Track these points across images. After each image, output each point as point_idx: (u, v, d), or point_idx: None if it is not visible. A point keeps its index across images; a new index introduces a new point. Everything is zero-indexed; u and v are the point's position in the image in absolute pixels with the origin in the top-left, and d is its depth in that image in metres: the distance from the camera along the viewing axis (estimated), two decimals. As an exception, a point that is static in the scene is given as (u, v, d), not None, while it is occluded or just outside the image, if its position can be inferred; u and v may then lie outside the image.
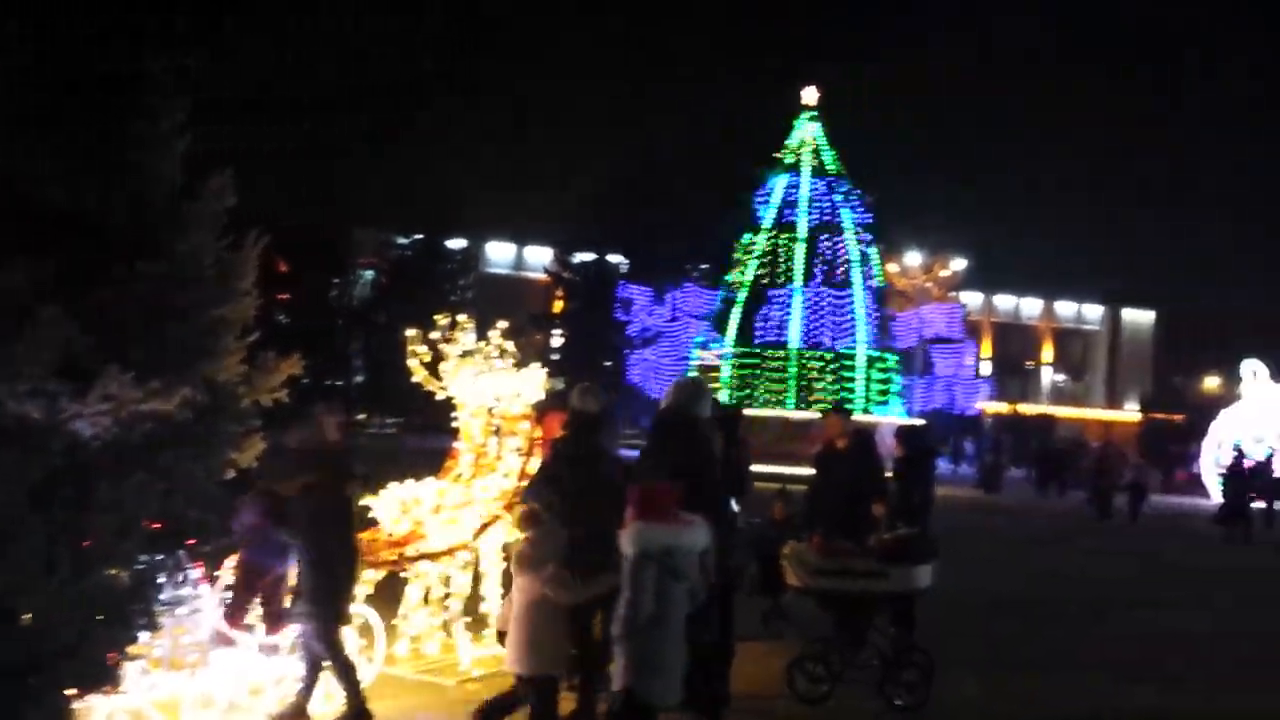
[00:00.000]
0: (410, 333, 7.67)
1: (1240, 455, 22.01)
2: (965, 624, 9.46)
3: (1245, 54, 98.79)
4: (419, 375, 7.60)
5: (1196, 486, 32.03)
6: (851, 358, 30.86)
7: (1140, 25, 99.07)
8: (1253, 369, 32.32)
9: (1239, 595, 12.93)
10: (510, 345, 7.63)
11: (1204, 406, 49.37)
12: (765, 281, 31.69)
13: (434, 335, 7.53)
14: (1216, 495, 28.77)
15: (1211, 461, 30.72)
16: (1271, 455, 22.19)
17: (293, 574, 6.17)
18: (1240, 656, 9.16)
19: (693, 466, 5.56)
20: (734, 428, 7.20)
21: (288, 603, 6.22)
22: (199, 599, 5.71)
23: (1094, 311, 67.44)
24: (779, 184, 32.22)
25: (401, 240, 46.32)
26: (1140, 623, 10.52)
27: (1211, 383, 60.84)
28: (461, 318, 7.63)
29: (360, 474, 6.29)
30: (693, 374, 12.79)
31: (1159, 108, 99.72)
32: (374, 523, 7.30)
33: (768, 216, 32.15)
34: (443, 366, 7.50)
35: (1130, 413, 64.12)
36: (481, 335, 7.62)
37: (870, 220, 32.25)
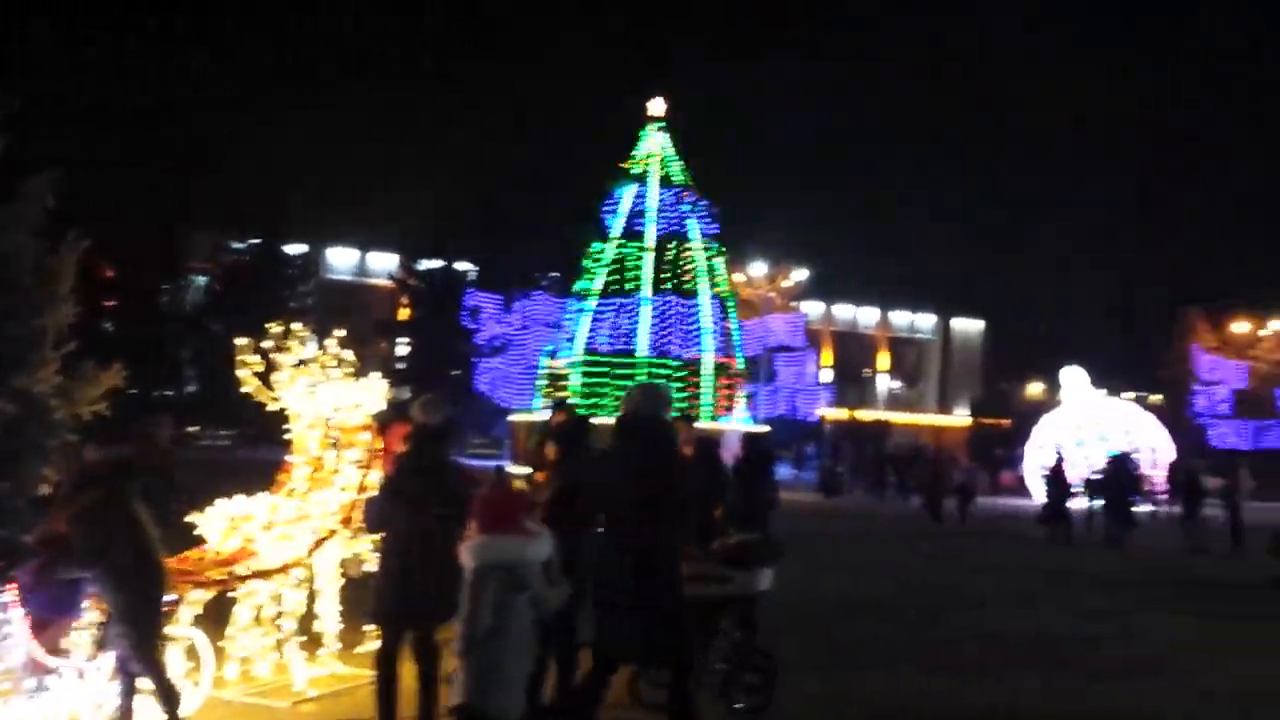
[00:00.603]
0: (241, 341, 7.35)
1: (1060, 458, 23.09)
2: (806, 626, 9.66)
3: (1062, 74, 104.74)
4: (250, 386, 7.29)
5: (1022, 488, 33.69)
6: (698, 366, 31.31)
7: (963, 42, 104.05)
8: (1072, 375, 34.25)
9: (1063, 595, 13.57)
10: (349, 354, 7.41)
11: (1028, 411, 52.08)
12: (614, 290, 31.87)
13: (266, 344, 7.24)
14: (1040, 496, 30.37)
15: (1035, 464, 32.32)
16: (1121, 456, 23.08)
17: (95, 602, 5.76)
18: (1062, 656, 9.60)
19: (662, 469, 5.56)
20: (579, 435, 7.17)
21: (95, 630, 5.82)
22: (9, 624, 5.32)
23: (927, 321, 70.27)
24: (627, 194, 32.47)
25: (237, 245, 44.71)
26: (973, 623, 10.92)
27: (1035, 389, 64.23)
28: (296, 326, 7.36)
29: (175, 489, 5.95)
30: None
31: (983, 124, 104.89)
32: (200, 540, 6.97)
33: (616, 226, 32.35)
34: (275, 377, 7.22)
35: (961, 418, 67.14)
36: (320, 343, 7.38)
37: (716, 230, 32.82)
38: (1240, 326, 62.73)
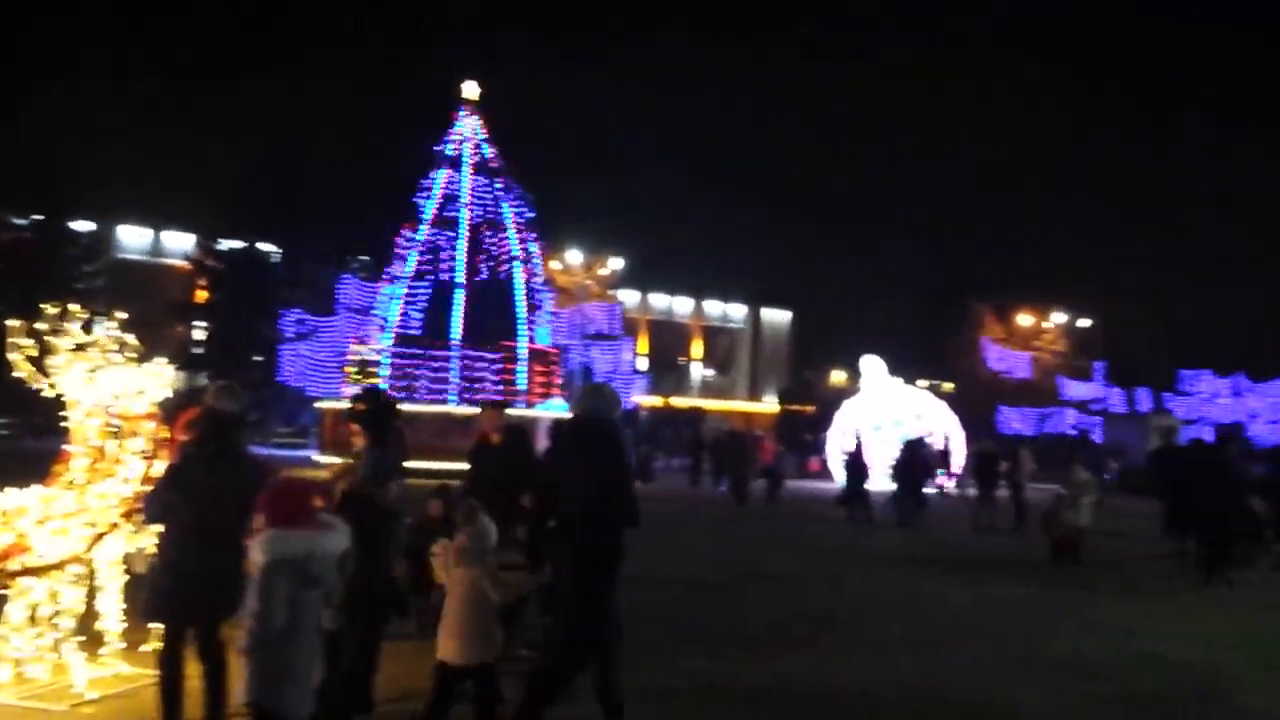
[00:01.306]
0: (12, 323, 6.82)
1: (860, 442, 24.16)
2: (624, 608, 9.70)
3: (865, 72, 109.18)
4: (23, 371, 6.78)
5: (827, 472, 34.95)
6: (513, 353, 31.11)
7: (771, 38, 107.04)
8: (871, 363, 35.78)
9: (858, 572, 14.16)
10: (130, 338, 6.97)
11: (832, 398, 54.18)
12: (426, 275, 31.27)
13: (41, 326, 6.74)
14: (841, 479, 31.63)
15: (837, 449, 33.64)
16: (914, 440, 24.07)
17: None
18: (856, 630, 10.01)
19: (613, 469, 5.77)
20: (385, 421, 6.99)
21: None
22: None
23: (738, 311, 72.10)
24: (440, 177, 31.89)
25: (18, 221, 41.61)
26: (773, 599, 11.26)
27: (838, 377, 66.88)
28: (74, 307, 6.88)
29: None
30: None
31: (790, 123, 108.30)
32: (-32, 537, 6.44)
33: (429, 210, 31.73)
34: (50, 361, 6.73)
35: (769, 405, 69.26)
36: (101, 325, 6.92)
37: (532, 217, 32.65)
38: (1025, 319, 67.06)
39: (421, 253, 31.43)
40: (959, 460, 32.48)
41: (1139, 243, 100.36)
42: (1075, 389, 64.60)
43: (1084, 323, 67.94)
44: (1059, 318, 67.38)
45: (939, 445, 31.29)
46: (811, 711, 7.08)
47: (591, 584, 5.66)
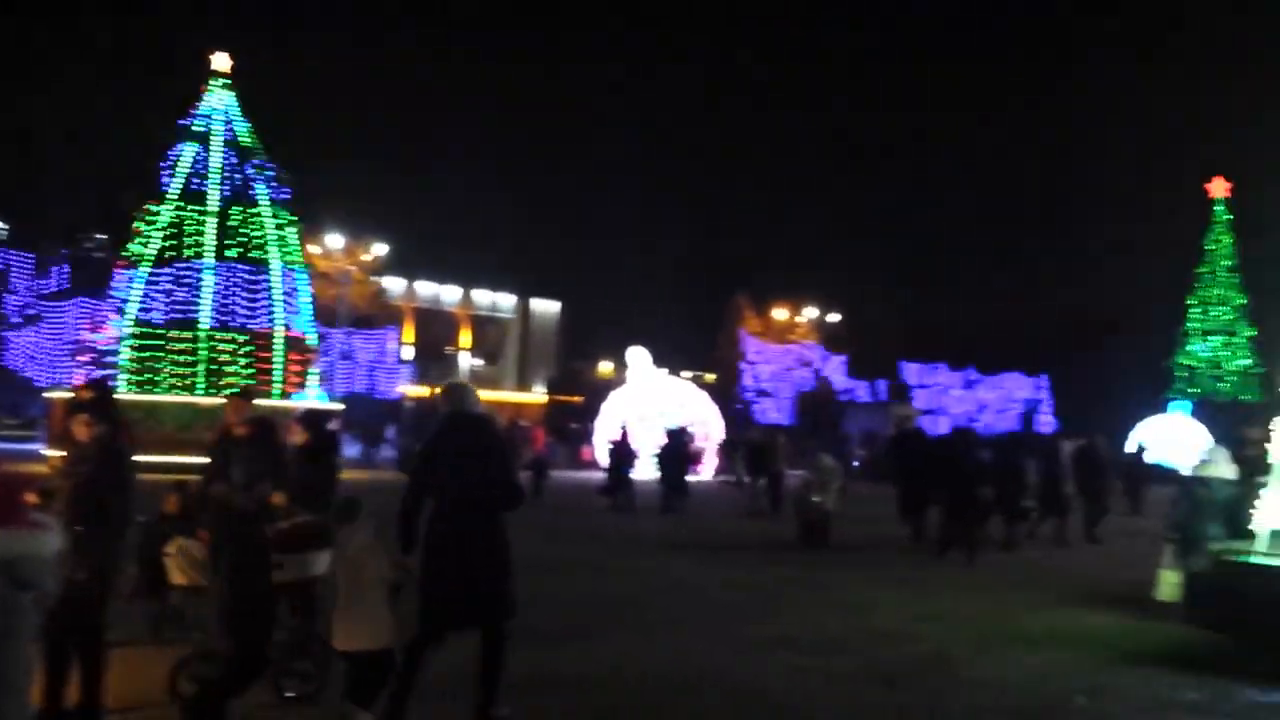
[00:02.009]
0: None
1: (625, 432, 24.43)
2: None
3: (639, 70, 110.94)
4: None
5: (595, 462, 35.04)
6: (268, 340, 29.65)
7: (533, 40, 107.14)
8: (637, 355, 36.29)
9: (620, 559, 14.30)
10: None
11: (599, 389, 54.80)
12: (171, 256, 29.26)
13: None
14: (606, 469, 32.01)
15: (604, 439, 33.99)
16: (677, 430, 24.47)
17: None
18: (617, 616, 10.08)
19: (495, 455, 6.33)
20: (105, 407, 6.46)
21: None
22: None
23: (507, 300, 71.69)
24: (187, 152, 29.92)
25: None
26: (537, 590, 11.18)
27: (605, 367, 67.75)
28: None
29: None
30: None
31: (556, 112, 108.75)
32: None
33: (174, 186, 29.71)
34: None
35: (538, 395, 69.31)
36: None
37: (288, 197, 31.15)
38: (780, 314, 70.11)
39: (165, 233, 29.41)
40: (716, 448, 33.53)
41: (885, 243, 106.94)
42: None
43: (833, 318, 71.68)
44: (811, 312, 70.80)
45: (701, 435, 32.17)
46: (574, 698, 7.06)
47: (491, 559, 6.23)
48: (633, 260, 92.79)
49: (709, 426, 33.89)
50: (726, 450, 33.09)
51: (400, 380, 52.59)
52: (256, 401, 9.10)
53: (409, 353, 62.53)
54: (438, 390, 6.84)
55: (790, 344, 69.21)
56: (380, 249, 53.86)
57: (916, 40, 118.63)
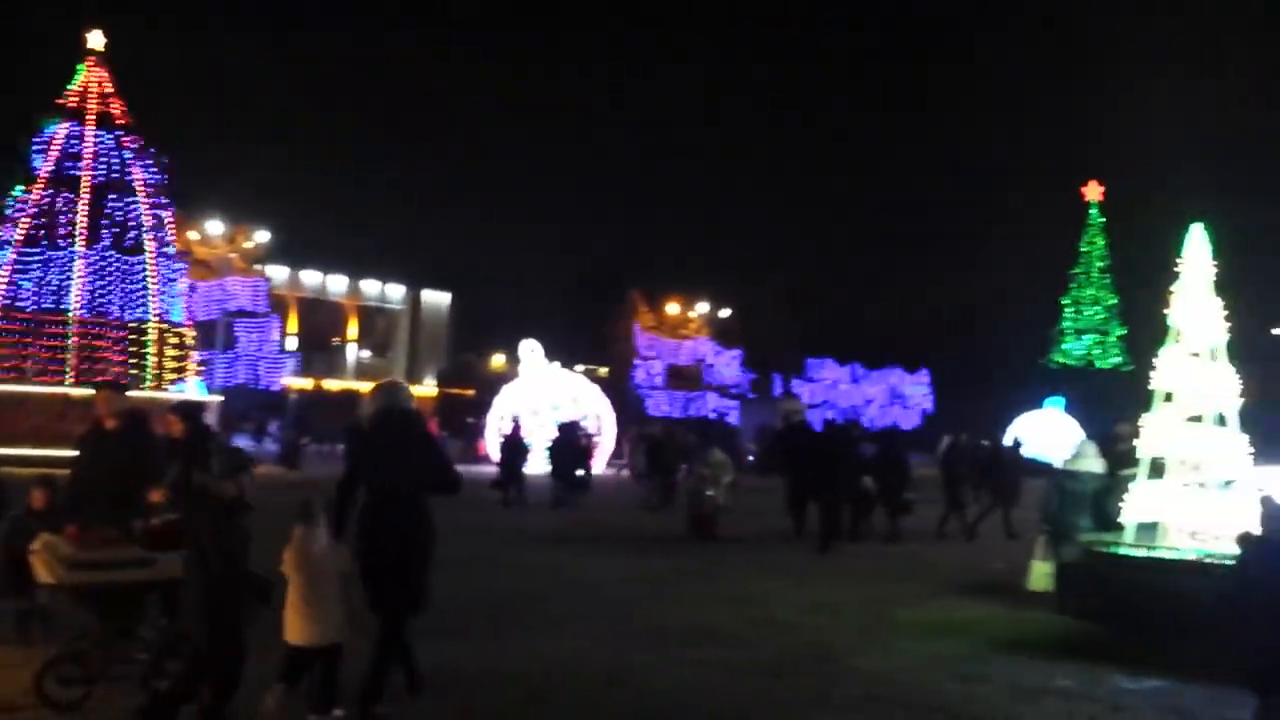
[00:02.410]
0: None
1: (517, 425, 24.26)
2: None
3: (522, 67, 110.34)
4: None
5: (487, 456, 34.52)
6: (142, 329, 28.55)
7: (433, 38, 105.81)
8: (530, 348, 36.05)
9: (512, 554, 14.19)
10: None
11: (492, 382, 54.33)
12: (40, 240, 27.93)
13: None
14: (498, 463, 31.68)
15: (496, 433, 33.70)
16: (570, 423, 24.32)
17: None
18: (510, 610, 9.99)
19: (428, 449, 6.79)
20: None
21: None
22: None
23: (397, 291, 70.56)
24: (58, 132, 28.59)
25: None
26: (441, 583, 10.99)
27: (498, 360, 67.23)
28: None
29: None
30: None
31: (448, 101, 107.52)
32: None
33: (43, 168, 28.36)
34: None
35: (429, 388, 68.43)
36: None
37: (165, 181, 30.02)
38: (673, 308, 70.57)
39: (34, 215, 28.07)
40: (609, 443, 33.59)
41: (775, 238, 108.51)
42: (717, 374, 68.85)
43: (725, 312, 72.46)
44: (703, 307, 71.45)
45: (594, 428, 32.14)
46: (471, 695, 6.99)
47: (426, 555, 6.61)
48: (525, 252, 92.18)
49: (602, 420, 33.88)
50: (634, 443, 33.09)
51: (283, 372, 51.25)
52: (130, 393, 8.76)
53: (293, 343, 61.08)
54: (373, 388, 7.17)
55: (683, 339, 69.72)
56: (263, 236, 52.36)
57: (800, 33, 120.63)
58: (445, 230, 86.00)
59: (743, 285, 71.31)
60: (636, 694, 7.25)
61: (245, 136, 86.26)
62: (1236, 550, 6.51)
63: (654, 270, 71.84)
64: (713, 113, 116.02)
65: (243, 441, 41.72)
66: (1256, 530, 6.32)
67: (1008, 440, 25.27)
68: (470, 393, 59.89)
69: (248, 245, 51.47)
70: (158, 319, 28.87)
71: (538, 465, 25.12)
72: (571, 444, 23.05)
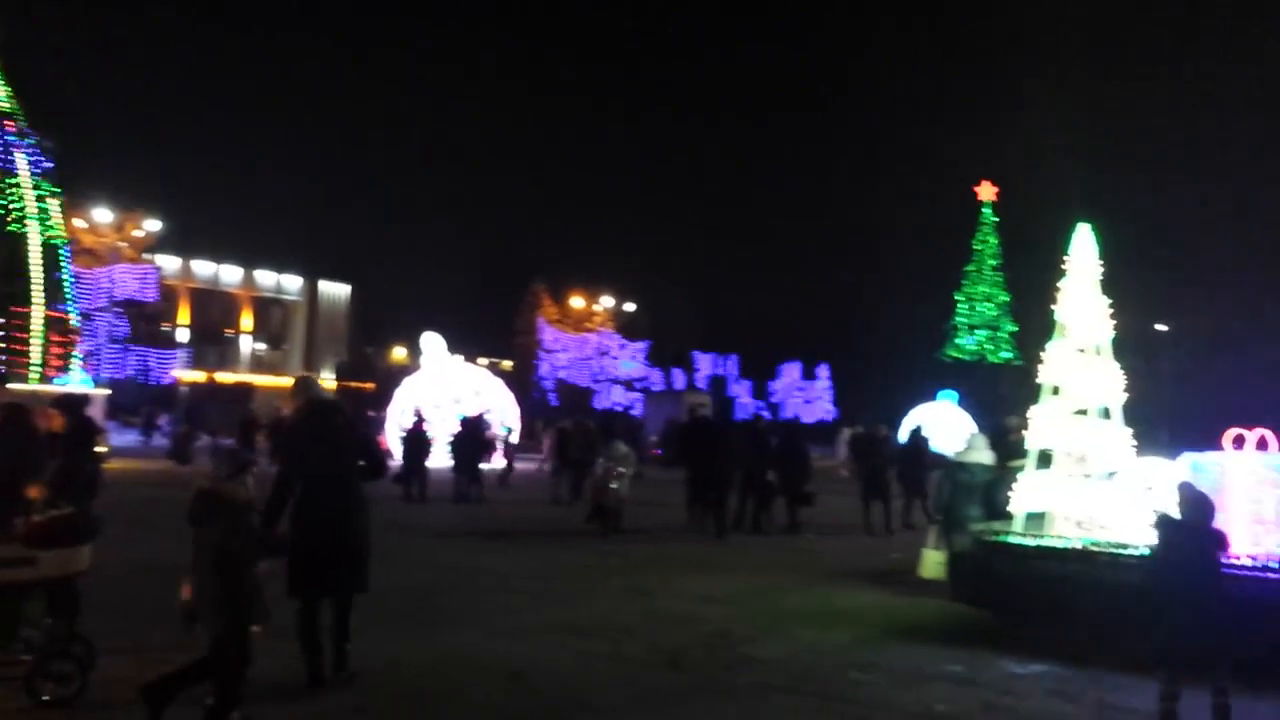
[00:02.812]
0: None
1: (420, 419, 23.76)
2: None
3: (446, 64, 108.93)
4: None
5: (389, 451, 33.98)
6: (25, 319, 27.39)
7: (363, 30, 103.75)
8: (431, 340, 35.49)
9: (413, 549, 14.00)
10: None
11: (392, 375, 53.53)
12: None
13: None
14: (399, 458, 31.16)
15: (396, 427, 33.17)
16: (473, 418, 23.95)
17: None
18: (411, 607, 9.87)
19: (356, 438, 7.38)
20: None
21: None
22: None
23: (293, 282, 69.06)
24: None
25: None
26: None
27: (399, 353, 66.30)
28: None
29: None
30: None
31: (345, 91, 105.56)
32: None
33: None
34: None
35: (327, 381, 67.13)
36: None
37: (50, 168, 28.84)
38: (578, 302, 70.44)
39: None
40: (514, 437, 33.38)
41: (679, 233, 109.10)
42: (621, 368, 68.99)
43: (629, 306, 72.61)
44: (607, 301, 71.49)
45: (497, 422, 31.84)
46: (365, 691, 6.88)
47: (356, 532, 7.09)
48: (428, 244, 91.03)
49: (505, 414, 33.63)
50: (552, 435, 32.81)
51: (175, 364, 49.76)
52: (11, 386, 8.43)
53: (184, 335, 59.36)
54: (294, 382, 7.49)
55: (588, 332, 69.67)
56: (153, 225, 50.72)
57: (703, 31, 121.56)
58: (344, 221, 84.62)
59: (648, 280, 71.50)
60: (536, 688, 7.23)
61: (136, 123, 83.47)
62: (1150, 534, 6.78)
63: (559, 264, 71.51)
64: (619, 109, 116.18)
65: (131, 436, 40.41)
66: (1173, 515, 6.57)
67: (903, 434, 25.80)
68: (370, 386, 58.93)
69: (137, 234, 49.78)
70: (41, 309, 27.74)
71: (440, 460, 24.79)
72: (474, 438, 22.82)
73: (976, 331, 61.97)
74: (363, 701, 6.79)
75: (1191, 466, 9.74)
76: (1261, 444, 9.75)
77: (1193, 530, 6.36)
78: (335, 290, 71.23)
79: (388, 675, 7.38)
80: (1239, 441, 9.88)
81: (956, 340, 61.96)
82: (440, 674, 7.49)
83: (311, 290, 69.58)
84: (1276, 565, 8.53)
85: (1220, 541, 6.44)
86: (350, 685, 7.01)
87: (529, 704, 6.91)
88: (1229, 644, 6.20)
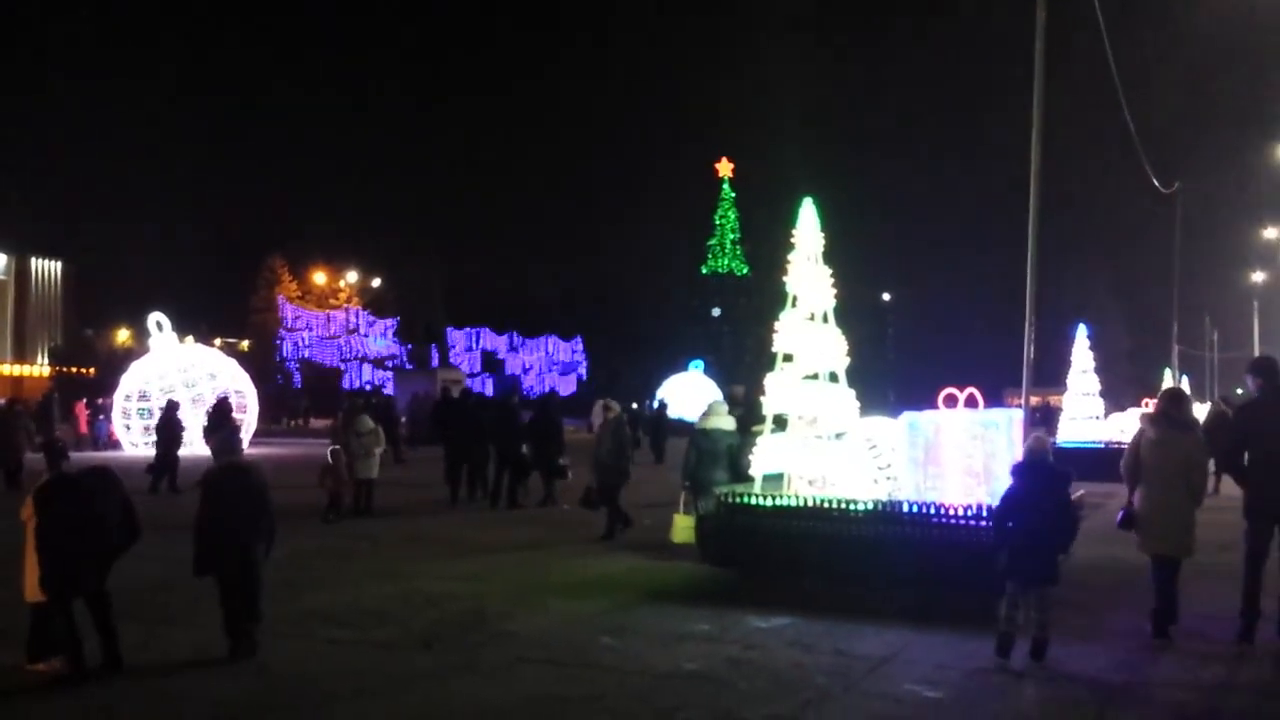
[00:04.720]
0: None
1: (173, 406, 21.90)
2: None
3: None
4: None
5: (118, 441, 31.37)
6: None
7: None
8: (157, 320, 33.04)
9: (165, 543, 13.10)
10: None
11: (115, 359, 49.81)
12: None
13: None
14: (129, 447, 28.99)
15: (122, 414, 30.90)
16: (220, 400, 22.41)
17: None
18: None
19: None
20: None
21: None
22: None
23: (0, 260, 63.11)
24: None
25: None
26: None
27: (123, 335, 61.82)
28: None
29: None
30: None
31: (88, 64, 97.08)
32: None
33: None
34: None
35: (41, 367, 61.84)
36: None
37: None
38: (320, 278, 67.89)
39: None
40: (253, 420, 31.90)
41: (424, 207, 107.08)
42: (370, 345, 67.17)
43: (376, 282, 70.71)
44: (353, 277, 69.32)
45: (239, 405, 30.16)
46: (99, 691, 6.39)
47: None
48: (153, 218, 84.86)
49: (244, 396, 31.96)
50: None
51: None
52: None
53: None
54: None
55: (333, 309, 67.30)
56: None
57: (452, 11, 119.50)
58: (57, 194, 77.79)
59: (395, 255, 69.61)
60: (280, 679, 6.96)
61: None
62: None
63: (299, 239, 68.45)
64: (360, 81, 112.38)
65: None
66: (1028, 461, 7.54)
67: (654, 403, 26.48)
68: (91, 372, 54.62)
69: None
70: None
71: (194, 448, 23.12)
72: (174, 421, 21.24)
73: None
74: (93, 703, 6.33)
75: (908, 425, 10.51)
76: (971, 402, 10.64)
77: (1041, 470, 7.37)
78: (48, 268, 65.53)
79: (128, 675, 6.98)
80: (950, 400, 10.73)
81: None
82: (177, 672, 7.11)
83: (20, 268, 63.71)
84: (986, 514, 9.33)
85: (1065, 478, 7.52)
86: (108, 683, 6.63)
87: (272, 698, 6.62)
88: (1055, 565, 7.32)
